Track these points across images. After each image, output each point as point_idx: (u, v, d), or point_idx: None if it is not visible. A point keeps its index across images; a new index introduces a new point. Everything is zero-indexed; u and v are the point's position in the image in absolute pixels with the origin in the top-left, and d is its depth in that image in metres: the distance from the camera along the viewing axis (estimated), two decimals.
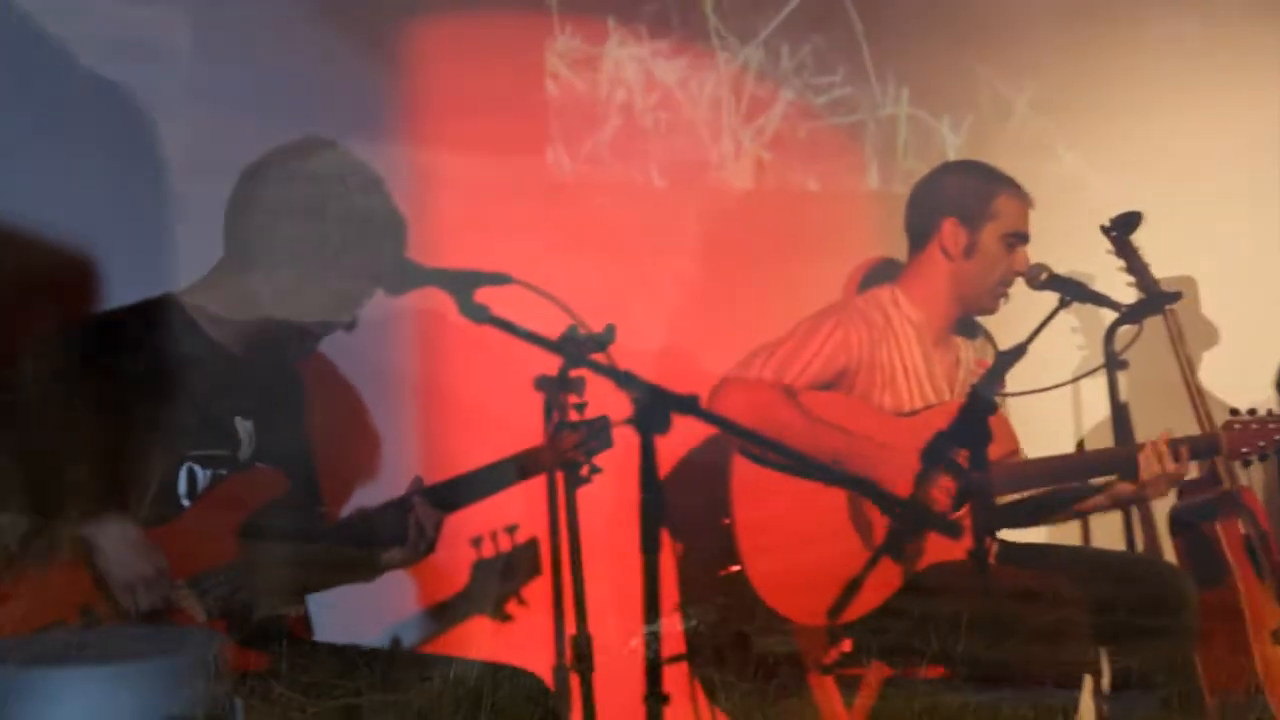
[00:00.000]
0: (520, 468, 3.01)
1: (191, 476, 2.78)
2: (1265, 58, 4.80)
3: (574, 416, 2.98)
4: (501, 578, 3.26)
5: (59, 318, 2.93)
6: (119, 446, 2.71)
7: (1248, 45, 4.79)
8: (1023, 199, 3.79)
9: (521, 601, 3.28)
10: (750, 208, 4.04)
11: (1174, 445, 3.73)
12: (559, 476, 3.20)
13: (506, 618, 3.25)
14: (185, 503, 2.78)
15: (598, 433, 3.02)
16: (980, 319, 3.92)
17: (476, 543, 3.17)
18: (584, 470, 3.06)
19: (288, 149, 2.91)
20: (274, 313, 2.87)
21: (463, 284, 2.67)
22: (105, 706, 2.18)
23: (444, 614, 3.32)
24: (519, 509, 3.10)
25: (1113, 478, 3.85)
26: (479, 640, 3.22)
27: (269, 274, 2.84)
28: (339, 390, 3.32)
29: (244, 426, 2.86)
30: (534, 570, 3.28)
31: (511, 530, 3.20)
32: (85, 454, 2.67)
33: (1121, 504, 3.97)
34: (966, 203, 3.74)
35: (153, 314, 2.84)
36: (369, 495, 3.11)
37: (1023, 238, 3.76)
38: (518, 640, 3.17)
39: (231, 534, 2.74)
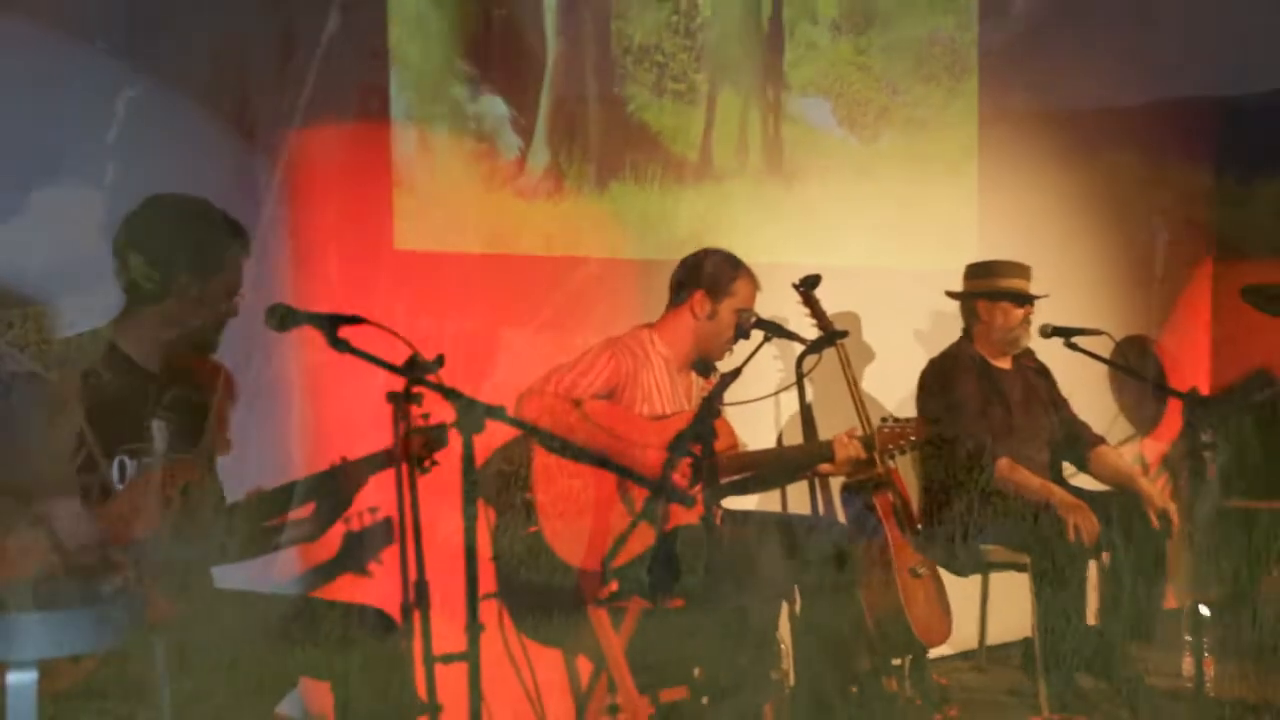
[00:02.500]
0: (381, 461, 2.98)
1: (123, 466, 2.73)
2: (918, 168, 4.92)
3: (419, 424, 2.91)
4: (364, 545, 3.18)
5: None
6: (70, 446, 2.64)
7: (906, 155, 4.88)
8: (754, 281, 3.80)
9: (379, 562, 3.22)
10: (542, 268, 3.99)
11: (852, 437, 3.86)
12: (405, 469, 3.05)
13: (368, 574, 3.19)
14: (119, 487, 2.71)
15: (438, 436, 2.97)
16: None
17: (346, 520, 3.10)
18: (425, 464, 3.00)
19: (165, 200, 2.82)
20: (168, 340, 2.82)
21: (328, 324, 2.70)
22: (61, 639, 2.15)
23: (321, 572, 3.26)
24: (376, 494, 3.03)
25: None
26: (347, 590, 3.17)
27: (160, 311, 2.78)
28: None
29: (158, 427, 2.79)
30: (388, 539, 3.19)
31: (373, 510, 3.12)
32: (46, 451, 2.62)
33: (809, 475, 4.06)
34: (711, 280, 3.73)
35: (89, 344, 2.78)
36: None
37: (750, 312, 3.76)
38: (376, 590, 3.11)
39: (156, 510, 2.69)
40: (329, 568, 3.25)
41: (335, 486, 2.92)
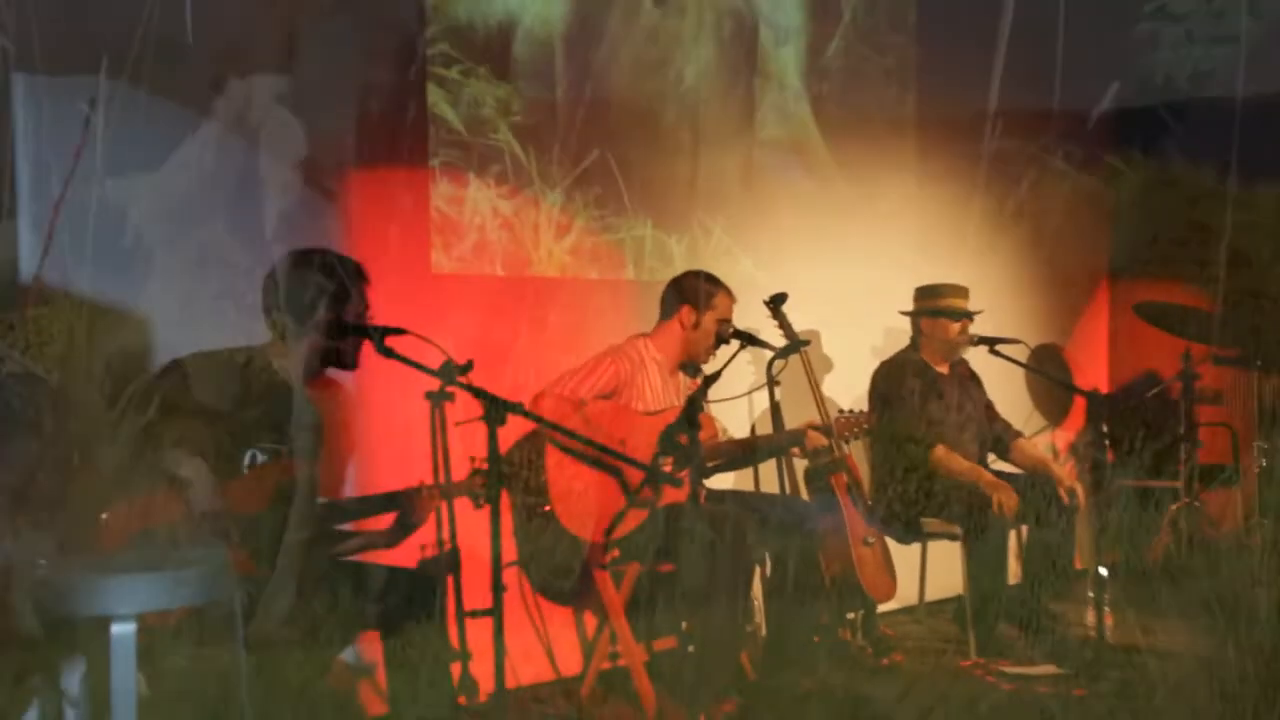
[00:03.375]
0: (455, 491, 2.96)
1: (254, 458, 2.74)
2: (863, 206, 4.89)
3: (482, 466, 2.82)
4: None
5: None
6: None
7: (858, 197, 4.87)
8: (731, 296, 3.80)
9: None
10: (557, 289, 3.97)
11: (814, 428, 3.87)
12: (440, 448, 3.12)
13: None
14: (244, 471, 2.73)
15: (491, 487, 2.73)
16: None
17: (422, 547, 3.09)
18: (481, 501, 2.88)
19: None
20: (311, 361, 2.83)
21: (377, 334, 2.76)
22: (157, 596, 2.18)
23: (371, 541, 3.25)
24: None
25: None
26: (390, 555, 3.03)
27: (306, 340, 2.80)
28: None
29: (296, 434, 2.79)
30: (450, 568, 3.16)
31: (443, 545, 3.12)
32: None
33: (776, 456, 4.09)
34: (695, 296, 3.72)
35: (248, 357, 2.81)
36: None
37: (729, 323, 3.77)
38: (414, 555, 3.06)
39: (267, 496, 2.70)
40: (382, 537, 3.21)
41: (412, 507, 2.90)
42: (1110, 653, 3.86)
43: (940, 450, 4.24)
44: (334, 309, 2.79)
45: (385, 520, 2.98)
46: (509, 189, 3.88)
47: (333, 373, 2.97)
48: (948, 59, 5.00)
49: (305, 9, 3.33)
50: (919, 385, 4.33)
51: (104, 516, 2.45)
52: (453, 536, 3.21)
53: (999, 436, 4.53)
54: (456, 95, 3.74)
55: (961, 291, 4.42)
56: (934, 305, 4.40)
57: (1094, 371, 5.79)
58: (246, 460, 2.72)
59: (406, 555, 3.04)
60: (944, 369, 4.47)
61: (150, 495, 2.51)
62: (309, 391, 2.86)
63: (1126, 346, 5.81)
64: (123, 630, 2.15)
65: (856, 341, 4.75)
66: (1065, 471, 4.36)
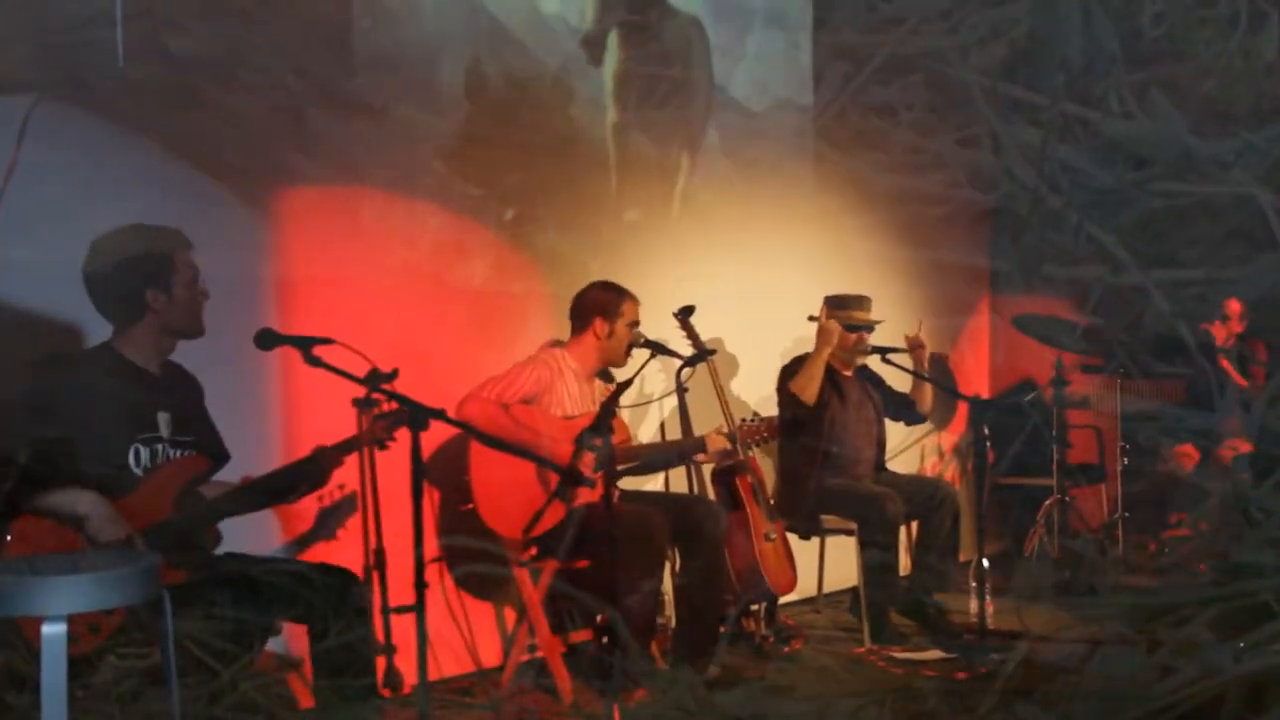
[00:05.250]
0: (350, 446, 2.88)
1: (137, 453, 2.65)
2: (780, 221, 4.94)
3: (382, 411, 2.84)
4: (334, 516, 3.14)
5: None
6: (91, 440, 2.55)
7: (773, 209, 4.91)
8: (636, 300, 3.78)
9: (344, 528, 3.17)
10: (479, 301, 3.94)
11: (719, 433, 3.89)
12: (367, 453, 3.01)
13: (336, 538, 3.14)
14: (136, 471, 2.62)
15: (396, 419, 2.83)
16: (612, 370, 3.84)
17: (320, 498, 3.05)
18: (386, 443, 2.89)
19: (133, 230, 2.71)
20: (161, 341, 2.72)
21: (304, 344, 2.71)
22: (88, 598, 2.10)
23: (301, 540, 3.22)
24: (343, 475, 2.93)
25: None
26: (319, 554, 3.07)
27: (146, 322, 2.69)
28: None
29: (163, 418, 2.70)
30: (352, 510, 3.15)
31: (341, 487, 3.05)
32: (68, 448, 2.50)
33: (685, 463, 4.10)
34: (608, 307, 3.73)
35: (99, 356, 2.70)
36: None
37: (636, 324, 3.76)
38: (341, 552, 3.05)
39: (169, 501, 2.61)
40: (308, 536, 3.19)
41: (313, 469, 2.81)
42: (991, 636, 3.94)
43: (797, 380, 4.23)
44: (160, 281, 2.68)
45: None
46: (434, 208, 3.84)
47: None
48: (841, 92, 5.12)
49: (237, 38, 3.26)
50: (822, 384, 4.35)
51: (8, 539, 2.35)
52: (379, 536, 3.17)
53: (906, 404, 4.58)
54: (383, 120, 3.69)
55: (864, 302, 4.47)
56: (836, 315, 4.44)
57: (976, 378, 5.92)
58: (132, 457, 2.63)
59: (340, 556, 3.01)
60: (848, 372, 4.51)
61: (45, 525, 2.41)
62: (164, 372, 2.76)
63: (1005, 356, 5.95)
64: (54, 630, 2.08)
65: (762, 346, 4.76)
66: (927, 466, 4.54)
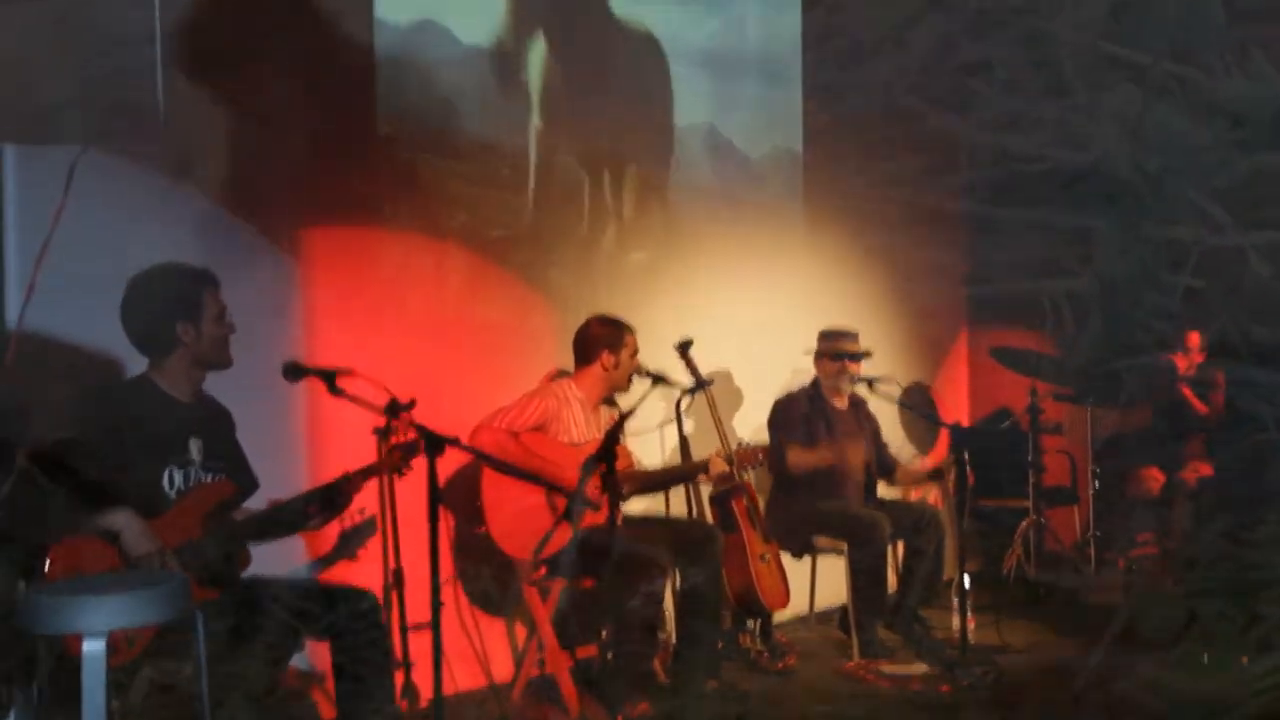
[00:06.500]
0: (372, 472, 2.90)
1: (171, 477, 2.67)
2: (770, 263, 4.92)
3: (400, 440, 2.88)
4: (355, 538, 3.12)
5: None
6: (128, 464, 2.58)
7: (764, 252, 4.88)
8: (634, 334, 3.77)
9: (365, 549, 3.16)
10: (492, 333, 3.93)
11: (717, 457, 3.89)
12: (387, 479, 3.09)
13: (356, 558, 3.13)
14: (170, 493, 2.64)
15: (413, 447, 2.85)
16: (616, 396, 3.86)
17: (342, 520, 3.00)
18: (404, 470, 2.91)
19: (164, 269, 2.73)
20: (193, 373, 2.73)
21: (328, 376, 2.76)
22: (125, 615, 2.15)
23: (323, 561, 3.20)
24: (363, 499, 2.94)
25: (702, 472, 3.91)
26: (341, 573, 3.09)
27: (178, 355, 2.70)
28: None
29: (195, 444, 2.72)
30: (372, 533, 3.16)
31: (362, 511, 3.05)
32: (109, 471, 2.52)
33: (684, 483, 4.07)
34: (609, 341, 3.70)
35: (136, 387, 2.72)
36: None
37: (636, 352, 3.76)
38: (362, 572, 3.07)
39: (198, 522, 2.62)
40: (330, 556, 3.19)
41: (335, 494, 2.82)
42: (973, 652, 3.95)
43: (791, 455, 4.26)
44: (190, 317, 2.70)
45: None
46: (450, 249, 3.87)
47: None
48: (835, 139, 5.13)
49: (266, 93, 3.31)
50: (808, 415, 4.39)
51: (48, 560, 2.36)
52: (397, 557, 3.22)
53: (889, 464, 4.62)
54: (403, 169, 3.73)
55: (850, 336, 4.50)
56: (822, 348, 4.49)
57: (956, 406, 5.92)
58: (166, 480, 2.65)
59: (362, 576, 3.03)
60: (841, 404, 4.52)
61: (85, 541, 2.43)
62: (196, 402, 2.77)
63: (983, 384, 5.96)
64: (94, 646, 2.12)
65: (759, 379, 4.77)
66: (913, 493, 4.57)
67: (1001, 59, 5.09)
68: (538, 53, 4.14)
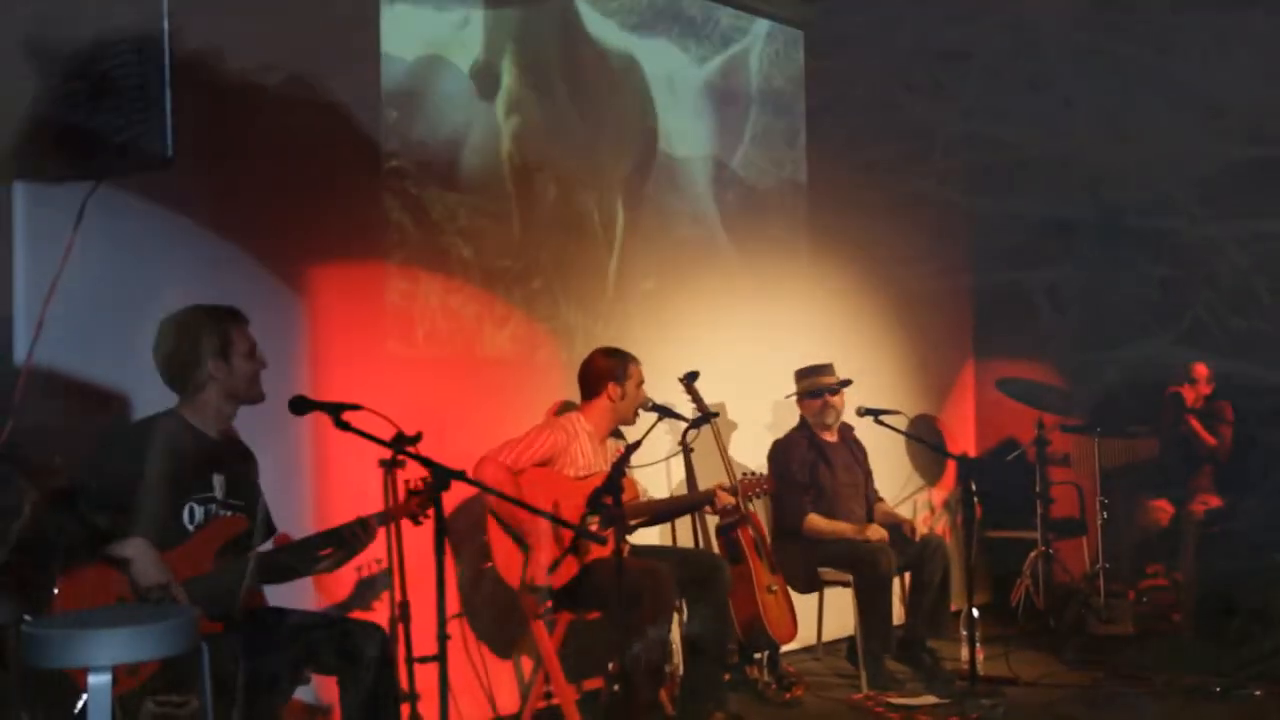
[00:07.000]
0: (385, 516, 2.88)
1: (191, 511, 2.66)
2: (771, 300, 4.92)
3: (419, 487, 2.84)
4: (371, 588, 3.13)
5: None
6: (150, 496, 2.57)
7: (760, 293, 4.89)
8: (639, 365, 3.72)
9: (380, 600, 3.15)
10: (498, 369, 3.95)
11: (722, 488, 3.88)
12: (394, 524, 2.98)
13: (371, 610, 3.12)
14: (189, 527, 2.63)
15: (430, 497, 2.75)
16: (622, 428, 3.85)
17: (359, 568, 3.06)
18: (420, 518, 2.88)
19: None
20: (223, 408, 2.74)
21: (334, 410, 2.71)
22: (131, 649, 2.13)
23: (337, 608, 3.20)
24: (377, 548, 2.91)
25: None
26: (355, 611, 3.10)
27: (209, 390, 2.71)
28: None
29: (218, 480, 2.73)
30: (387, 585, 3.04)
31: (379, 562, 3.03)
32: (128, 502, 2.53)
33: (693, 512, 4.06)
34: (614, 373, 3.71)
35: (166, 421, 2.71)
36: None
37: (642, 383, 3.74)
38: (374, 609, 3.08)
39: (210, 557, 2.62)
40: (345, 604, 3.17)
41: (350, 537, 2.81)
42: (982, 683, 3.91)
43: (809, 520, 4.28)
44: (221, 353, 2.72)
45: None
46: (457, 283, 3.87)
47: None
48: (834, 170, 5.17)
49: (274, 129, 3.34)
50: (809, 457, 4.38)
51: (55, 591, 2.37)
52: (404, 591, 3.18)
53: (871, 499, 4.58)
54: (410, 203, 3.75)
55: (825, 369, 4.48)
56: (801, 388, 4.48)
57: (963, 438, 5.91)
58: (186, 516, 2.65)
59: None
60: (832, 438, 4.51)
61: (96, 571, 2.44)
62: (223, 439, 2.78)
63: (990, 416, 5.94)
64: (99, 680, 2.10)
65: (756, 413, 4.77)
66: (918, 520, 4.50)
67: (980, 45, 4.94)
68: (526, 85, 4.15)
